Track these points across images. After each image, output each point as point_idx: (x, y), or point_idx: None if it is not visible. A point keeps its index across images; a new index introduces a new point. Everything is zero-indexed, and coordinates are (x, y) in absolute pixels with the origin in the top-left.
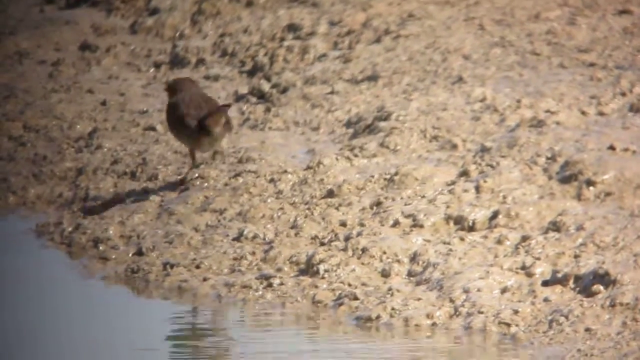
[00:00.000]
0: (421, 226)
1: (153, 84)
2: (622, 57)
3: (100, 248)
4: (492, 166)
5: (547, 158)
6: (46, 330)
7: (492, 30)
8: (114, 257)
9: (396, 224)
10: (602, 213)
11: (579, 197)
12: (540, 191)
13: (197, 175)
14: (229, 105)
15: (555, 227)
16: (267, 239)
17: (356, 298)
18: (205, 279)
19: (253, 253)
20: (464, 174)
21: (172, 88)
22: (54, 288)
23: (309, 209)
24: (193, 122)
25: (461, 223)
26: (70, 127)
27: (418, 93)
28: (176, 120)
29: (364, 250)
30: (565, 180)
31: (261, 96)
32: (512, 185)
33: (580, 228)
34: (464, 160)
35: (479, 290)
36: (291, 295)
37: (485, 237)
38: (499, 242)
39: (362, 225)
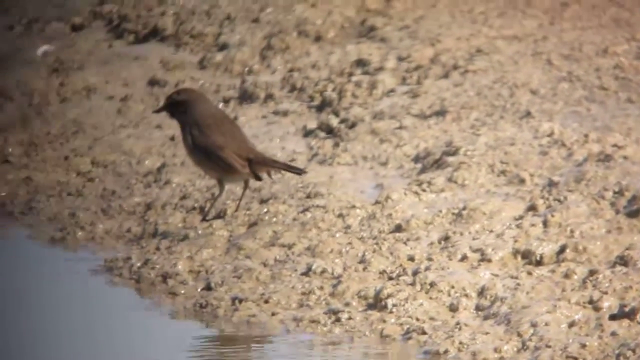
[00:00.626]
0: (489, 260)
1: None
2: None
3: (169, 283)
4: (559, 200)
5: (615, 192)
6: None
7: (559, 65)
8: (182, 292)
9: (464, 258)
10: None
11: None
12: (608, 225)
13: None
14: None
15: (623, 261)
16: (335, 273)
17: (424, 332)
18: (273, 314)
19: (321, 288)
20: (532, 208)
21: (181, 102)
22: (123, 324)
23: (377, 243)
24: (242, 164)
25: (529, 257)
26: (138, 162)
27: (486, 128)
28: (209, 152)
29: (432, 284)
30: (632, 214)
31: (330, 131)
32: (580, 219)
33: None
34: (531, 195)
35: (546, 324)
36: (359, 329)
37: (553, 271)
38: (567, 276)
39: (430, 259)
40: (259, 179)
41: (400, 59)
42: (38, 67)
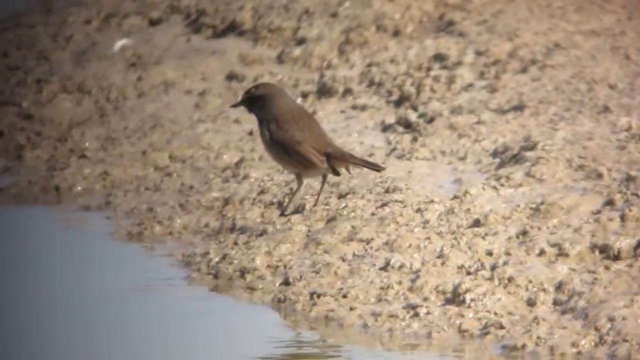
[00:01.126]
0: (567, 255)
1: None
2: None
3: (247, 278)
4: (637, 195)
5: None
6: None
7: (637, 59)
8: (260, 287)
9: (542, 253)
10: None
11: None
12: None
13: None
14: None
15: None
16: (413, 268)
17: (502, 327)
18: (352, 309)
19: (400, 282)
20: (609, 202)
21: (259, 96)
22: (200, 319)
23: (455, 238)
24: (320, 159)
25: (606, 252)
26: (217, 157)
27: (564, 122)
28: (287, 147)
29: (509, 279)
30: None
31: (408, 126)
32: None
33: None
34: (609, 189)
35: (623, 318)
36: (437, 324)
37: (631, 265)
38: None
39: (508, 254)
40: (337, 173)
41: (479, 53)
42: (115, 62)
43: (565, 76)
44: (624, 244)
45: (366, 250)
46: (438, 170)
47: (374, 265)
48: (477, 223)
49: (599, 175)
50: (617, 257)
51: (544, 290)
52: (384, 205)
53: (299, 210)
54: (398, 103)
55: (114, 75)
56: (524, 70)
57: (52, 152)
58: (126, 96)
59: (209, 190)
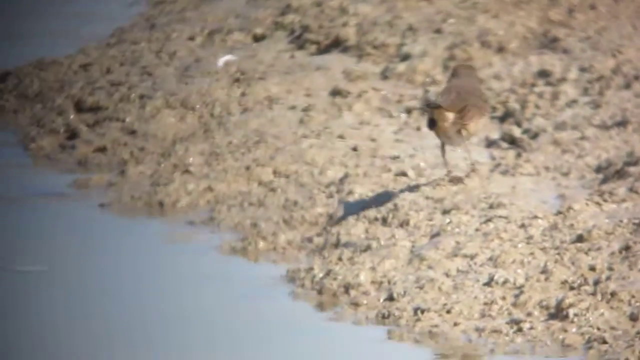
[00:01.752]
0: None
1: (404, 129)
2: None
3: (352, 294)
4: None
5: None
6: None
7: None
8: (365, 302)
9: None
10: None
11: None
12: None
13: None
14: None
15: None
16: (517, 283)
17: (605, 342)
18: (455, 324)
19: (503, 298)
20: None
21: (452, 72)
22: (306, 335)
23: (558, 253)
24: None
25: None
26: (321, 172)
27: None
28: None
29: (612, 294)
30: None
31: (512, 142)
32: None
33: None
34: None
35: None
36: (541, 339)
37: None
38: None
39: (611, 269)
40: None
41: (582, 69)
42: (220, 78)
43: None
44: None
45: (470, 265)
46: (542, 185)
47: (478, 280)
48: (580, 238)
49: None
50: None
51: None
52: (488, 220)
53: (402, 225)
54: (502, 119)
55: (217, 91)
56: (627, 86)
57: (156, 167)
58: (230, 112)
59: (314, 205)
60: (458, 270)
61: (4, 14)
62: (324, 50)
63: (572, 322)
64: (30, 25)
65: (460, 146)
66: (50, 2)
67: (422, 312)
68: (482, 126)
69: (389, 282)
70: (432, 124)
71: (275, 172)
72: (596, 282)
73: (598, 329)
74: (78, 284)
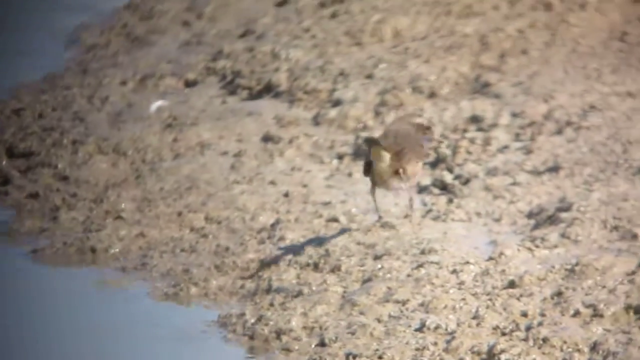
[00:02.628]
0: (601, 316)
1: (336, 175)
2: None
3: (283, 339)
4: None
5: None
6: None
7: None
8: (296, 348)
9: (577, 313)
10: None
11: None
12: None
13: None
14: (428, 140)
15: None
16: (449, 329)
17: None
18: None
19: (435, 343)
20: None
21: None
22: None
23: (490, 299)
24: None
25: None
26: (252, 218)
27: (599, 184)
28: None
29: (544, 340)
30: None
31: (444, 187)
32: None
33: None
34: None
35: None
36: None
37: None
38: None
39: (543, 315)
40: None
41: (514, 115)
42: (151, 123)
43: (600, 137)
44: None
45: (402, 311)
46: (473, 231)
47: (410, 326)
48: (512, 284)
49: (634, 236)
50: None
51: (578, 350)
52: (419, 266)
53: (334, 270)
54: (434, 165)
55: (150, 137)
56: (559, 131)
57: (88, 214)
58: (162, 157)
59: (245, 251)
60: (390, 316)
61: None
62: (255, 95)
63: None
64: None
65: (395, 190)
66: None
67: (354, 357)
68: (420, 171)
69: (320, 328)
70: (368, 168)
71: (207, 218)
72: (528, 328)
73: None
74: (8, 333)
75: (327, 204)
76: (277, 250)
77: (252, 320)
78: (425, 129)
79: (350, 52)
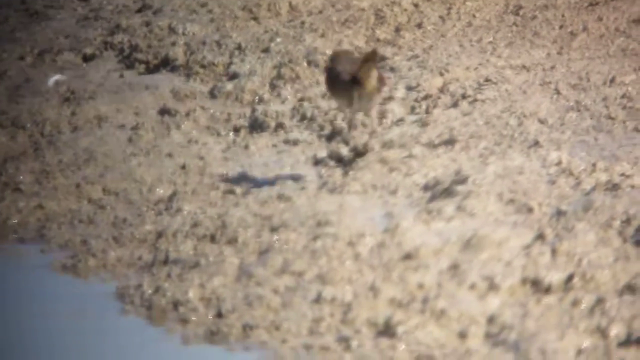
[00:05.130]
0: (498, 288)
1: (233, 147)
2: None
3: (180, 310)
4: (567, 229)
5: (622, 221)
6: None
7: (567, 94)
8: (194, 319)
9: (473, 286)
10: None
11: None
12: (616, 254)
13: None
14: (374, 55)
15: (631, 289)
16: (345, 301)
17: (434, 359)
18: (284, 341)
19: (332, 315)
20: (540, 237)
21: (330, 60)
22: (135, 351)
23: (387, 271)
24: (347, 76)
25: (537, 285)
26: (150, 190)
27: (495, 157)
28: (333, 79)
29: (441, 312)
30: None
31: (339, 160)
32: (588, 248)
33: None
34: (539, 224)
35: (555, 351)
36: (370, 356)
37: (561, 299)
38: (575, 304)
39: (439, 287)
40: (361, 86)
41: (410, 88)
42: (50, 97)
43: (495, 111)
44: (554, 277)
45: (298, 283)
46: (369, 204)
47: (306, 298)
48: (408, 256)
49: (530, 210)
50: (547, 291)
51: (475, 322)
52: (315, 238)
53: (230, 242)
54: (330, 137)
55: (48, 110)
56: (454, 105)
57: None
58: (60, 130)
59: (143, 223)
60: (286, 287)
61: None
62: (153, 69)
63: (401, 339)
64: None
65: (369, 112)
66: None
67: (251, 329)
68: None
69: (217, 299)
70: (352, 87)
71: (104, 190)
72: (425, 300)
73: (427, 346)
74: None
75: (223, 176)
76: (174, 222)
77: (150, 292)
78: (372, 54)
79: (247, 26)
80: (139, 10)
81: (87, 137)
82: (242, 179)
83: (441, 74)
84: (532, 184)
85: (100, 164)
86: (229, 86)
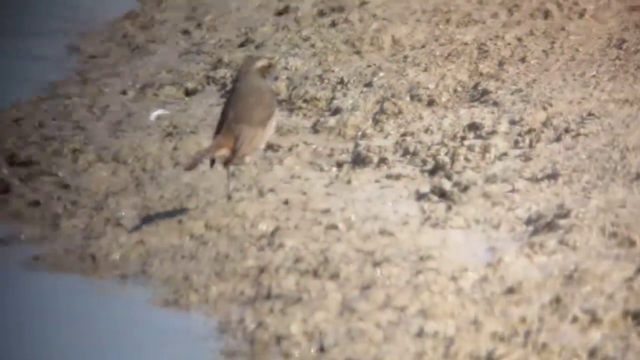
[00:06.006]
0: (600, 322)
1: (335, 182)
2: None
3: (283, 345)
4: None
5: None
6: None
7: None
8: (296, 353)
9: (575, 319)
10: None
11: None
12: None
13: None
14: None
15: None
16: (447, 335)
17: None
18: None
19: (434, 349)
20: None
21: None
22: None
23: (489, 305)
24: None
25: (639, 318)
26: (252, 225)
27: (597, 191)
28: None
29: (543, 345)
30: None
31: (442, 194)
32: None
33: None
34: None
35: None
36: None
37: None
38: None
39: (541, 321)
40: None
41: (513, 122)
42: (151, 132)
43: (598, 144)
44: None
45: (401, 317)
46: (472, 238)
47: (409, 332)
48: (510, 290)
49: (632, 243)
50: None
51: (577, 356)
52: (418, 273)
53: (333, 277)
54: (432, 172)
55: (149, 145)
56: (557, 139)
57: (88, 221)
58: (162, 165)
59: (245, 258)
60: (389, 322)
61: None
62: None
63: None
64: None
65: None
66: None
67: None
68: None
69: (320, 334)
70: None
71: (206, 226)
72: (527, 334)
73: None
74: (9, 340)
75: (326, 211)
76: (276, 257)
77: (252, 326)
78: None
79: (350, 60)
80: (242, 45)
81: (190, 172)
82: (345, 214)
83: (544, 108)
84: (635, 218)
85: (202, 199)
86: (332, 121)
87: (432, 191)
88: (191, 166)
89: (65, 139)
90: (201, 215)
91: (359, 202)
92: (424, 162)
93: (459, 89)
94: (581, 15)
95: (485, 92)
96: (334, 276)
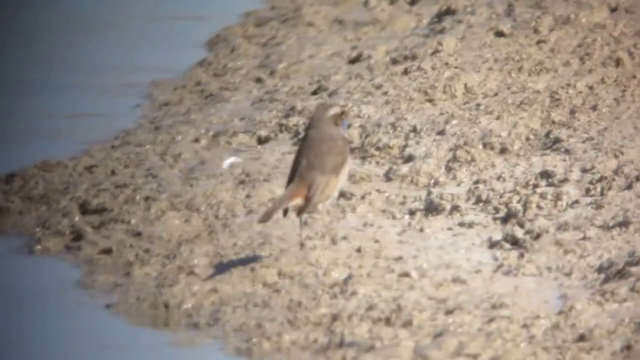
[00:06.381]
0: None
1: (408, 230)
2: None
3: None
4: None
5: None
6: None
7: None
8: None
9: None
10: None
11: None
12: None
13: None
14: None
15: None
16: None
17: None
18: None
19: None
20: None
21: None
22: None
23: (561, 353)
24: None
25: None
26: (325, 273)
27: None
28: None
29: None
30: None
31: (514, 242)
32: None
33: None
34: None
35: None
36: None
37: None
38: None
39: None
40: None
41: (584, 170)
42: (224, 180)
43: None
44: None
45: None
46: (544, 285)
47: None
48: (582, 338)
49: None
50: None
51: None
52: (490, 320)
53: (405, 325)
54: (505, 220)
55: (222, 193)
56: (629, 186)
57: (161, 269)
58: (235, 213)
59: (318, 306)
60: None
61: (8, 114)
62: None
63: None
64: (34, 124)
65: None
66: (53, 102)
67: None
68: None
69: None
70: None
71: (279, 274)
72: None
73: None
74: None
75: (398, 259)
76: (349, 305)
77: None
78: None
79: (422, 108)
80: (314, 92)
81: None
82: (417, 262)
83: (615, 156)
84: None
85: (275, 247)
86: (405, 169)
87: (505, 239)
88: (266, 218)
89: (137, 186)
90: (274, 263)
91: (432, 249)
92: (497, 209)
93: (531, 136)
94: None
95: (557, 140)
96: (407, 324)
